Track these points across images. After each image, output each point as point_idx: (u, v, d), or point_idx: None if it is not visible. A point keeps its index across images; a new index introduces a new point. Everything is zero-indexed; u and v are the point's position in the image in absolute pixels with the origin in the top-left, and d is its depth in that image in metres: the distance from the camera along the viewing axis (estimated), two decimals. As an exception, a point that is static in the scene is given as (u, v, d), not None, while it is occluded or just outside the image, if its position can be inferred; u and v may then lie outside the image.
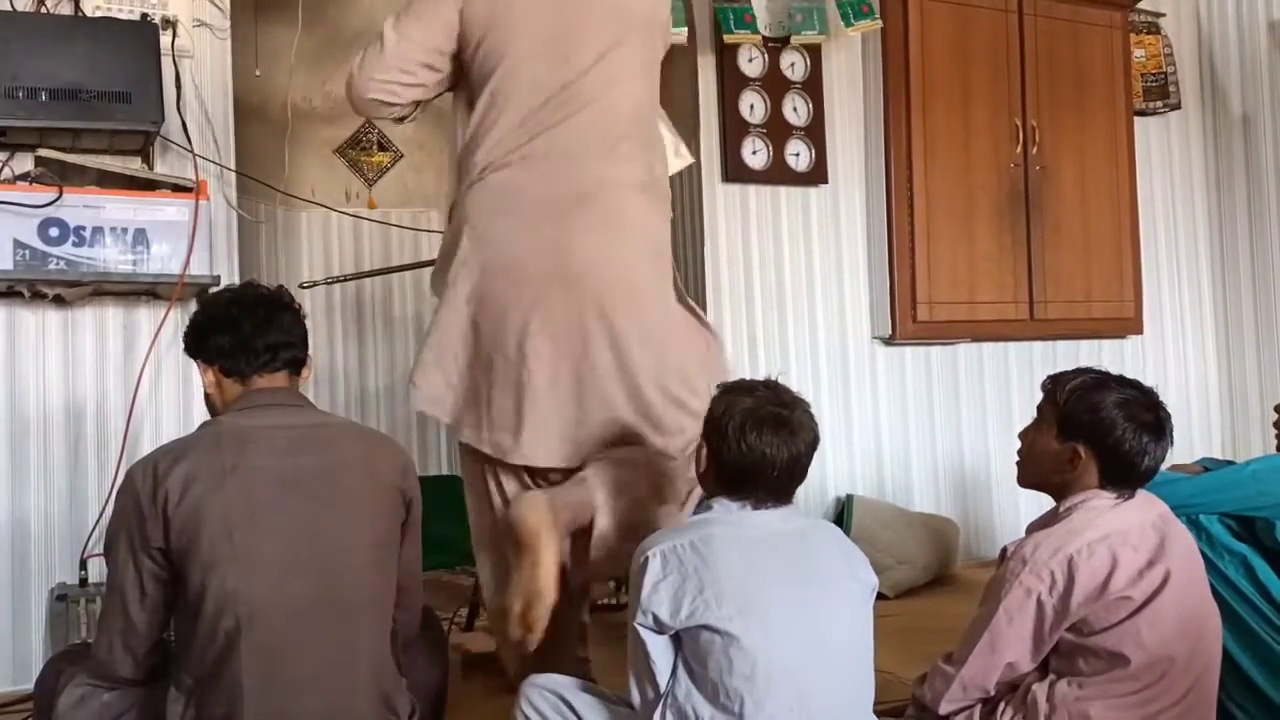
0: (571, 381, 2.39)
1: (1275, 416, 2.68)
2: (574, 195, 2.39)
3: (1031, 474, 2.12)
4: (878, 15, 4.09)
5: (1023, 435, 2.13)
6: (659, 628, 1.77)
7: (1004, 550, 2.07)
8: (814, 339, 4.21)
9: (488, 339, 2.42)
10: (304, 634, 1.77)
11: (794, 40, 4.09)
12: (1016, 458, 2.14)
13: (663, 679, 1.78)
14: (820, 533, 1.93)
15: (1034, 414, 2.12)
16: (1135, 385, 2.02)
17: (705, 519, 1.87)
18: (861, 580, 1.88)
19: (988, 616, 1.99)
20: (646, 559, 1.80)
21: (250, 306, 1.94)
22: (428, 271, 5.59)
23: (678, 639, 1.78)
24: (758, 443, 1.80)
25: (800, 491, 1.91)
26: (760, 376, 1.96)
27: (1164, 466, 2.45)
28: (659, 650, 1.78)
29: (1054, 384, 2.07)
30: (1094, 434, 1.98)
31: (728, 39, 3.96)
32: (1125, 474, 2.00)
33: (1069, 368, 2.13)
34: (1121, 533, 1.96)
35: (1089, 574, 1.92)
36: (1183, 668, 1.95)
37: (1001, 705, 2.02)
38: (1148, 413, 1.98)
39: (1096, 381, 2.02)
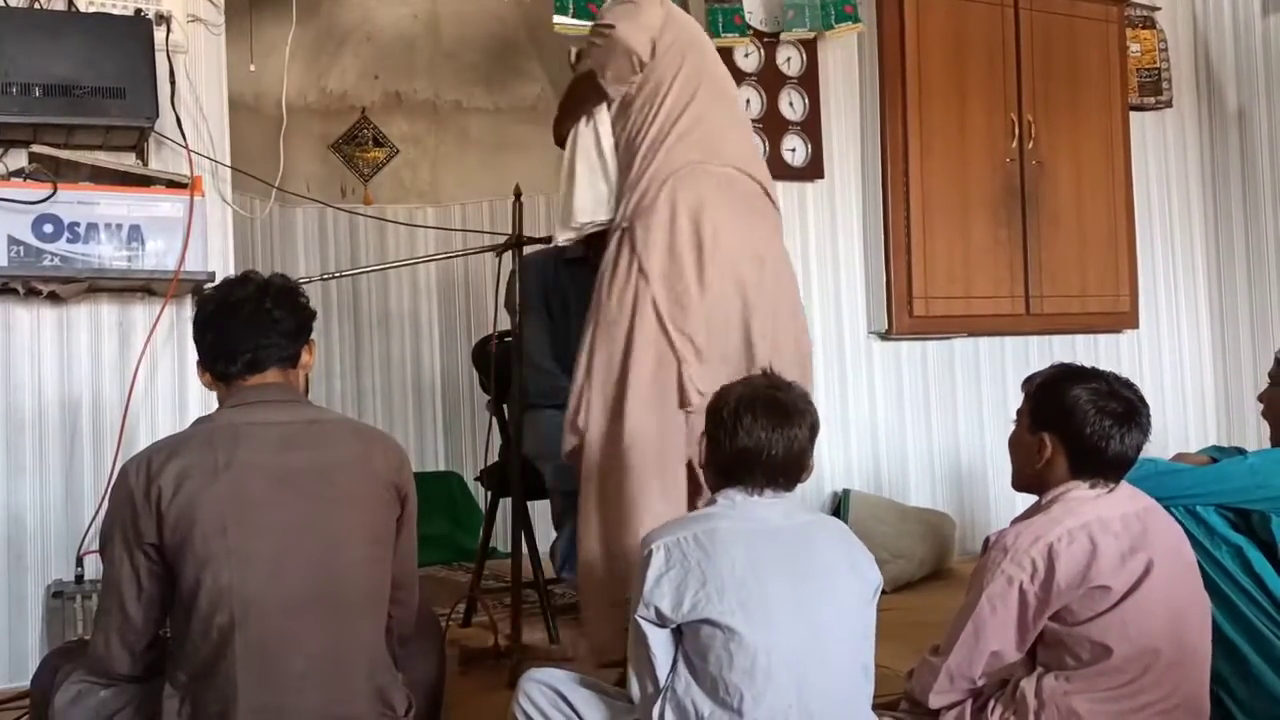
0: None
1: (1261, 406, 2.69)
2: (763, 200, 2.84)
3: (1015, 472, 2.15)
4: (860, 18, 4.09)
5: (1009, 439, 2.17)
6: (661, 621, 1.77)
7: (987, 540, 2.08)
8: (810, 334, 4.20)
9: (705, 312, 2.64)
10: (299, 630, 1.76)
11: (784, 37, 4.09)
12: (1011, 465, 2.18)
13: (663, 673, 1.79)
14: (824, 529, 1.93)
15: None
16: (1105, 376, 2.04)
17: (709, 513, 1.87)
18: (864, 578, 1.88)
19: (971, 606, 2.00)
20: (650, 552, 1.80)
21: (234, 307, 1.89)
22: (425, 268, 5.66)
23: (678, 633, 1.79)
24: (753, 426, 1.81)
25: (797, 486, 1.91)
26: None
27: (1169, 457, 2.47)
28: (660, 644, 1.78)
29: (1028, 381, 2.12)
30: (1058, 422, 2.01)
31: (717, 42, 3.95)
32: (1092, 461, 2.00)
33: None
34: (1102, 520, 1.97)
35: (1069, 561, 1.93)
36: (1169, 661, 1.95)
37: (992, 703, 2.03)
38: (1114, 400, 1.99)
39: (1064, 373, 2.06)
